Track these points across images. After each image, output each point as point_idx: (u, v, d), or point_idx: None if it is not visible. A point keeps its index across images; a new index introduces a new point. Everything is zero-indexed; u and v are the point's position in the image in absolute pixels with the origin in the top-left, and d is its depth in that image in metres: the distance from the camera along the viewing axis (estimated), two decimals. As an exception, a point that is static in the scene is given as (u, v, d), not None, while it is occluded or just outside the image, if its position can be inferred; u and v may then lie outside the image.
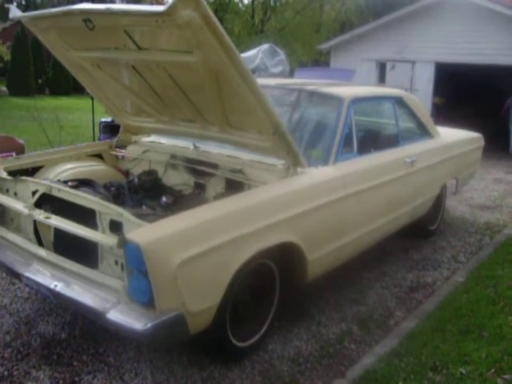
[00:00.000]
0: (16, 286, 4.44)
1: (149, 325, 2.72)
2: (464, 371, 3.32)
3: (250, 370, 3.44)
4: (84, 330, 3.78)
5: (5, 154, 5.67)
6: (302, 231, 3.58)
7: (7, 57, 27.80)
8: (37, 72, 26.12)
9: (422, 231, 6.01)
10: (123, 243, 2.75)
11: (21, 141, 6.80)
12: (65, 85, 27.25)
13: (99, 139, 8.96)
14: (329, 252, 3.94)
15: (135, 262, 2.74)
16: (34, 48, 25.64)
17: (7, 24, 33.72)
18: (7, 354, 3.51)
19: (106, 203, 3.21)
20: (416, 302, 4.52)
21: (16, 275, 3.48)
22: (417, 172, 5.06)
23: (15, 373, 3.32)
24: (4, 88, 25.97)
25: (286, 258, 3.64)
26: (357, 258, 4.58)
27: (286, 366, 3.49)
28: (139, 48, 3.38)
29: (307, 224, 3.64)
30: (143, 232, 2.81)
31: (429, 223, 6.02)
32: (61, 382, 3.25)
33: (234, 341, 3.40)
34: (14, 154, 5.98)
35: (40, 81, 23.22)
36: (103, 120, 8.96)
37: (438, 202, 6.04)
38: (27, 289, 4.25)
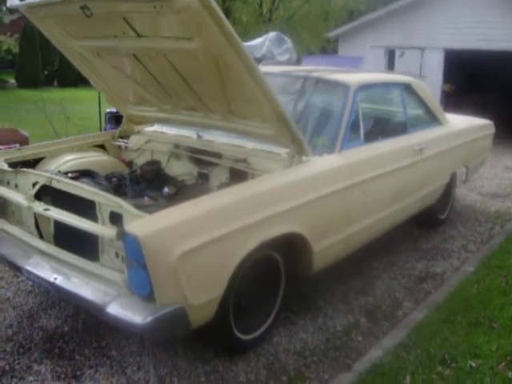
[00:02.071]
0: (19, 279, 4.39)
1: (149, 318, 2.65)
2: (474, 364, 3.22)
3: (254, 363, 3.37)
4: (87, 324, 3.73)
5: (9, 146, 5.61)
6: (307, 221, 3.50)
7: (15, 49, 27.79)
8: (44, 64, 26.08)
9: (432, 220, 5.91)
10: (122, 235, 2.68)
11: (25, 133, 6.75)
12: (73, 76, 27.14)
13: (105, 130, 8.89)
14: (335, 242, 3.86)
15: (134, 254, 2.67)
16: (41, 40, 25.54)
17: (15, 16, 33.71)
18: (9, 347, 3.46)
19: (106, 194, 3.13)
20: (425, 292, 4.43)
21: (17, 268, 3.43)
22: (426, 160, 4.95)
23: (17, 367, 3.27)
24: (13, 81, 25.97)
25: (290, 248, 3.57)
26: (364, 248, 4.48)
27: (291, 359, 3.42)
28: (139, 35, 3.31)
29: (312, 214, 3.56)
30: (142, 223, 2.74)
31: (438, 212, 5.91)
32: (62, 376, 3.20)
33: (238, 334, 3.33)
34: (18, 145, 5.93)
35: (46, 72, 23.16)
36: (109, 111, 8.87)
37: (448, 191, 5.93)
38: (30, 282, 4.21)
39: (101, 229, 3.02)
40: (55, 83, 27.15)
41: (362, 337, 3.72)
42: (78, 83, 27.17)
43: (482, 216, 6.52)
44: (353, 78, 4.45)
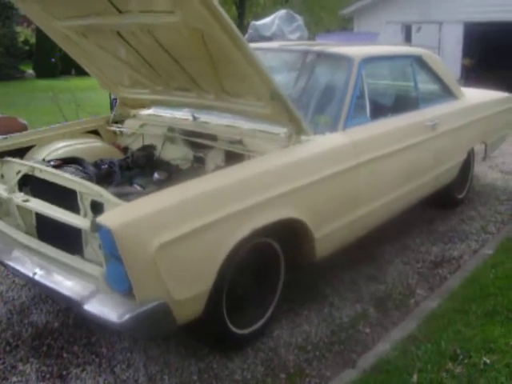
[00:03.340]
0: (14, 273, 4.23)
1: (127, 316, 2.44)
2: (488, 361, 2.91)
3: (252, 359, 3.15)
4: (78, 319, 3.53)
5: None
6: (306, 206, 3.25)
7: (32, 40, 27.80)
8: (61, 53, 26.05)
9: (449, 200, 5.58)
10: (96, 227, 2.46)
11: (23, 121, 6.59)
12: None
13: (112, 116, 8.71)
14: (339, 228, 3.61)
15: (109, 247, 2.46)
16: (57, 29, 25.48)
17: (31, 6, 33.73)
18: (-5, 346, 3.31)
19: (85, 182, 2.92)
20: (440, 278, 4.15)
21: (1, 263, 3.25)
22: (439, 136, 4.64)
23: (0, 367, 3.10)
24: (31, 71, 26.00)
25: (290, 235, 3.32)
26: (376, 231, 4.19)
27: (292, 355, 3.19)
28: (120, 11, 3.08)
29: (312, 197, 3.30)
30: (116, 214, 2.52)
31: (456, 192, 5.58)
32: (47, 376, 3.02)
33: (233, 328, 3.10)
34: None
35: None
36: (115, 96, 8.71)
37: (466, 169, 5.59)
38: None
39: (79, 220, 2.81)
40: (73, 72, 27.10)
41: (369, 328, 3.46)
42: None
43: (502, 194, 6.17)
44: (357, 50, 4.15)
